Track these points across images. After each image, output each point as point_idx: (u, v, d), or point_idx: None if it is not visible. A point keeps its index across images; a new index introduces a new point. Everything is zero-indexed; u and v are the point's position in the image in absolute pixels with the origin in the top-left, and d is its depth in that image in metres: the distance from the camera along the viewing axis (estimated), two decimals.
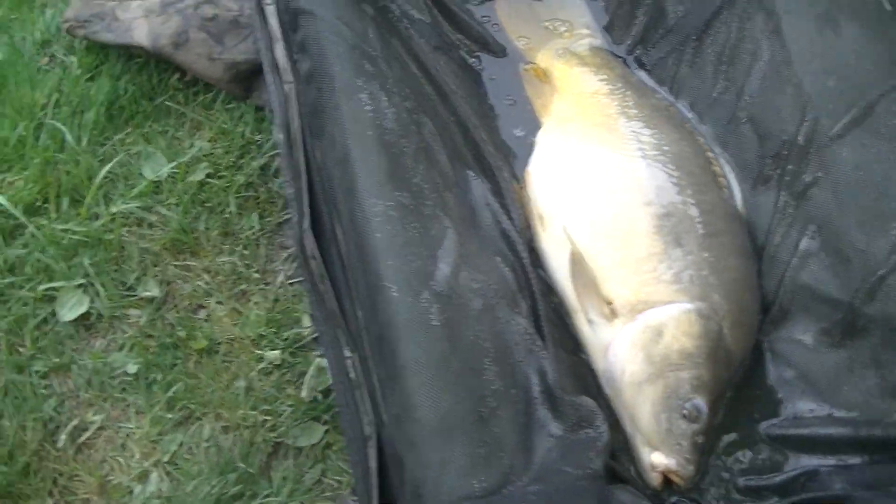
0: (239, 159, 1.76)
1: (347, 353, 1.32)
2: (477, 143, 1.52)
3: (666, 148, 1.59)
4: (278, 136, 1.48)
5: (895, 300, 1.37)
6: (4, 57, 1.90)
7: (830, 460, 1.37)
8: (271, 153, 1.76)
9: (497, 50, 1.76)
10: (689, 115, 1.71)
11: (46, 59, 1.92)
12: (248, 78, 1.79)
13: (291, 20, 1.49)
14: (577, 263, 1.46)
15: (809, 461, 1.38)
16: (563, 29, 1.82)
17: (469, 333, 1.25)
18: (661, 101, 1.70)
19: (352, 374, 1.27)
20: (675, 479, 1.35)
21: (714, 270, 1.48)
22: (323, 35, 1.43)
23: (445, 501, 1.13)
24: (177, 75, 1.85)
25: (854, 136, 1.49)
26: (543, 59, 1.77)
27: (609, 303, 1.44)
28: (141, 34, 1.78)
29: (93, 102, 1.81)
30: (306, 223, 1.39)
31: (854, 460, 1.35)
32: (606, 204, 1.53)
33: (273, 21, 1.55)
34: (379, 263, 1.26)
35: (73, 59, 1.90)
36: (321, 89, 1.41)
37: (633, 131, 1.61)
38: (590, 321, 1.45)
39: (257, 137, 1.78)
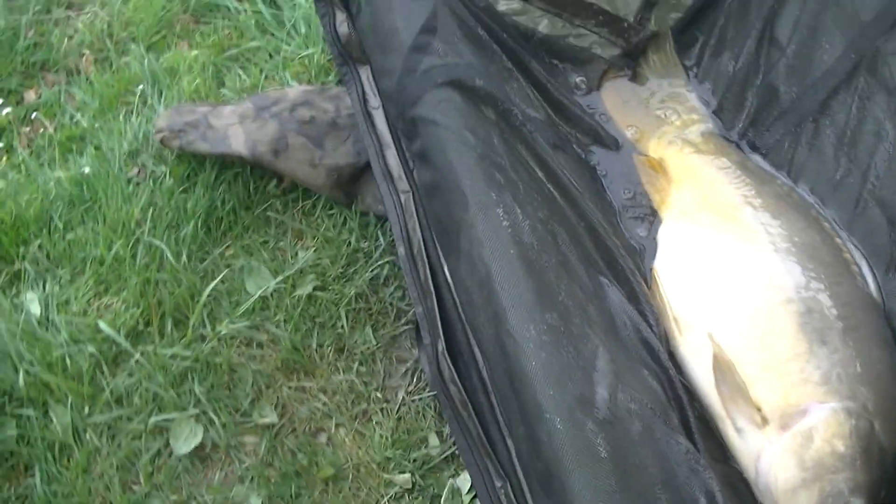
0: (346, 269, 1.70)
1: (499, 483, 1.25)
2: (609, 248, 1.46)
3: (796, 238, 1.53)
4: (399, 249, 1.42)
5: None
6: (94, 170, 1.85)
7: None
8: (380, 262, 1.70)
9: (610, 143, 1.69)
10: (811, 199, 1.62)
11: (136, 170, 1.87)
12: (350, 182, 1.73)
13: (408, 128, 1.43)
14: (725, 371, 1.39)
15: None
16: (672, 115, 1.75)
17: (634, 460, 1.18)
18: (782, 186, 1.64)
19: None
20: None
21: (860, 366, 1.41)
22: (449, 145, 1.37)
23: None
24: (273, 182, 1.80)
25: None
26: (655, 148, 1.71)
27: (758, 409, 1.36)
28: (238, 142, 1.72)
29: (189, 215, 1.75)
30: (442, 346, 1.33)
31: None
32: (745, 304, 1.46)
33: (382, 125, 1.50)
34: (538, 394, 1.19)
35: (164, 168, 1.85)
36: (450, 203, 1.35)
37: (761, 223, 1.55)
38: (738, 429, 1.38)
39: (363, 245, 1.73)
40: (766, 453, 1.37)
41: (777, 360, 1.41)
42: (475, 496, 1.48)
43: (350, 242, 1.74)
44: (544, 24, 1.75)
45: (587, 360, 1.24)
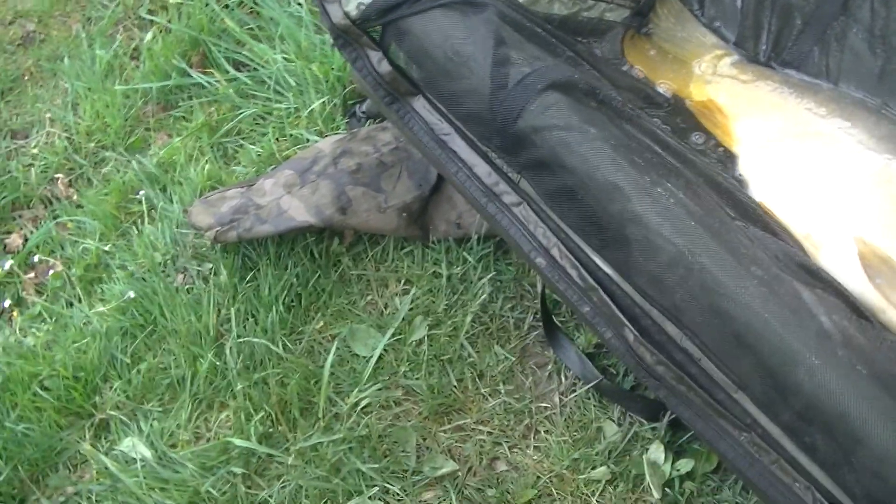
0: (450, 299, 1.71)
1: (744, 435, 1.30)
2: (733, 193, 1.51)
3: (875, 132, 1.62)
4: (537, 260, 1.44)
5: None
6: (138, 293, 1.79)
7: None
8: (481, 281, 1.74)
9: (661, 101, 1.75)
10: (860, 95, 1.73)
11: (181, 278, 1.83)
12: (420, 216, 1.74)
13: (510, 143, 1.45)
14: (878, 265, 1.47)
15: None
16: (698, 57, 1.82)
17: (885, 369, 1.25)
18: (832, 90, 1.72)
19: (756, 452, 1.28)
20: None
21: None
22: (578, 145, 1.39)
23: None
24: (336, 241, 1.78)
25: None
26: (698, 92, 1.78)
27: None
28: (301, 213, 1.72)
29: (267, 302, 1.74)
30: (633, 335, 1.37)
31: None
32: (864, 204, 1.55)
33: (463, 149, 1.51)
34: (784, 341, 1.25)
35: (209, 265, 1.81)
36: (601, 200, 1.37)
37: (838, 128, 1.64)
38: None
39: (456, 271, 1.75)
40: None
41: None
42: (674, 462, 1.54)
43: (440, 273, 1.75)
44: (557, 7, 1.79)
45: (797, 297, 1.30)
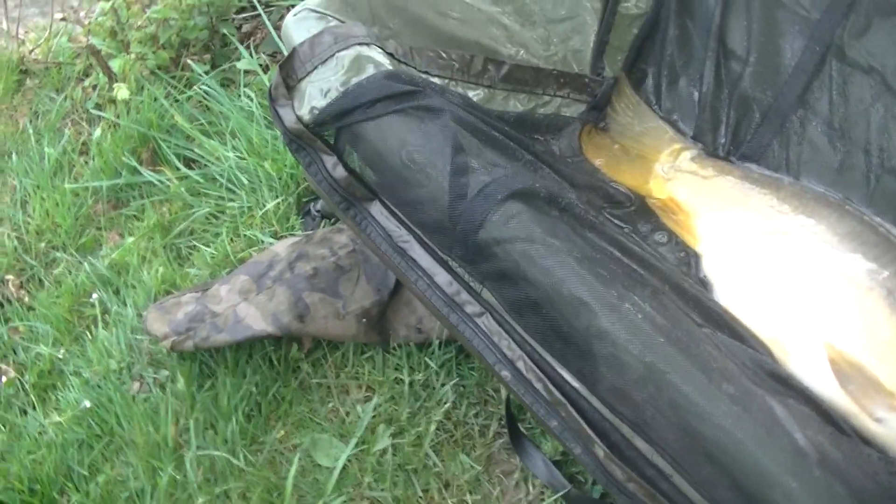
0: (413, 405, 1.68)
1: None
2: (699, 299, 1.50)
3: (839, 229, 1.62)
4: (503, 373, 1.42)
5: None
6: (94, 401, 1.75)
7: None
8: (443, 388, 1.71)
9: (623, 199, 1.74)
10: (821, 189, 1.73)
11: (138, 385, 1.79)
12: (379, 321, 1.71)
13: (471, 253, 1.43)
14: (848, 372, 1.46)
15: None
16: (656, 152, 1.82)
17: (859, 483, 1.25)
18: (793, 185, 1.73)
19: None
20: None
21: None
22: (540, 258, 1.38)
23: None
24: (294, 347, 1.75)
25: None
26: (658, 189, 1.77)
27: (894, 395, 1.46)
28: (258, 321, 1.69)
29: (226, 411, 1.69)
30: (603, 451, 1.35)
31: None
32: (832, 307, 1.54)
33: (423, 257, 1.49)
34: (759, 463, 1.23)
35: (166, 373, 1.77)
36: (566, 314, 1.36)
37: (801, 225, 1.64)
38: (879, 419, 1.46)
39: (418, 377, 1.71)
40: None
41: (888, 346, 1.49)
42: None
43: (402, 380, 1.72)
44: (512, 104, 1.78)
45: (770, 414, 1.29)
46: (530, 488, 1.64)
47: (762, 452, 1.22)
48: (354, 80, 1.49)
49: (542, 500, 1.62)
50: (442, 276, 1.48)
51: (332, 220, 1.89)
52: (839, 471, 1.23)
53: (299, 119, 1.52)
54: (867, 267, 1.56)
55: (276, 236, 1.90)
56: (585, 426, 1.36)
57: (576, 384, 1.38)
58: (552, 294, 1.35)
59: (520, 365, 1.41)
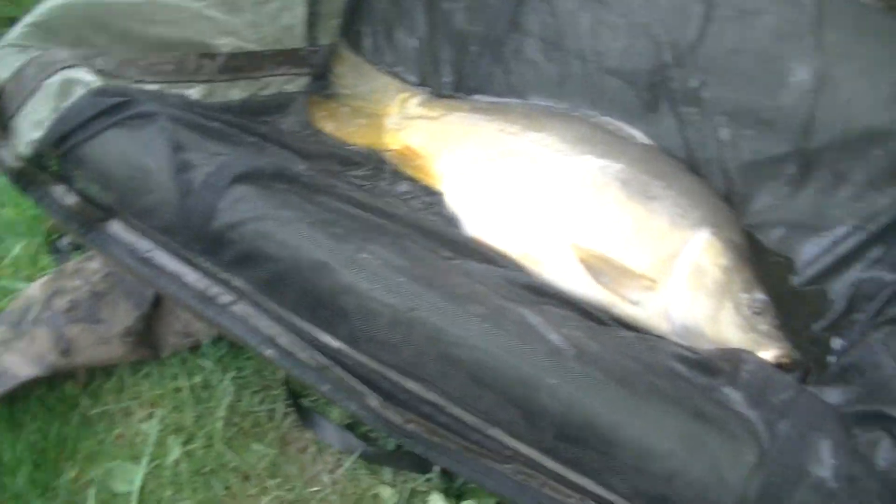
0: (197, 408, 1.68)
1: (507, 468, 1.33)
2: (443, 234, 1.55)
3: (568, 135, 1.69)
4: (268, 352, 1.43)
5: (832, 121, 1.62)
6: None
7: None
8: (222, 385, 1.73)
9: (360, 160, 1.78)
10: (548, 103, 1.80)
11: None
12: (147, 336, 1.70)
13: (211, 244, 1.44)
14: (599, 265, 1.52)
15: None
16: (383, 105, 1.86)
17: (621, 367, 1.32)
18: (522, 106, 1.79)
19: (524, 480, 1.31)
20: (786, 362, 1.48)
21: (690, 198, 1.63)
22: (275, 231, 1.39)
23: None
24: (69, 382, 1.72)
25: (713, 31, 1.69)
26: (392, 140, 1.81)
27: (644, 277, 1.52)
28: (23, 367, 1.66)
29: (10, 468, 1.65)
30: (376, 400, 1.37)
31: None
32: (573, 210, 1.60)
33: (169, 262, 1.49)
34: (520, 371, 1.27)
35: None
36: (311, 279, 1.37)
37: (531, 141, 1.71)
38: (636, 302, 1.53)
39: (196, 381, 1.71)
40: (674, 303, 1.55)
41: (631, 233, 1.58)
42: None
43: (181, 387, 1.70)
44: (234, 93, 1.78)
45: (523, 322, 1.33)
46: (328, 457, 1.65)
47: (519, 360, 1.27)
48: (65, 105, 1.46)
49: (341, 465, 1.62)
50: (190, 276, 1.47)
51: (84, 250, 1.84)
52: (597, 359, 1.28)
53: (19, 156, 1.48)
54: (599, 165, 1.63)
55: (31, 280, 1.85)
56: (354, 382, 1.38)
57: (338, 344, 1.39)
58: (293, 264, 1.36)
59: (281, 340, 1.41)
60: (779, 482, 1.17)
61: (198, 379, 1.71)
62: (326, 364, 1.38)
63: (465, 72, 1.88)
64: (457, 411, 1.34)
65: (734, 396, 1.31)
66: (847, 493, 1.15)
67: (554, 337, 1.31)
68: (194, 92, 1.69)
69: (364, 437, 1.62)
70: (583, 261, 1.54)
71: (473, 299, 1.34)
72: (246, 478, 1.64)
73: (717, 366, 1.38)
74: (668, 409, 1.22)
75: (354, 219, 1.47)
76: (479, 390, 1.30)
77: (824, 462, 1.18)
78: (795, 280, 1.69)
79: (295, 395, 1.65)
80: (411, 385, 1.36)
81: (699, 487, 1.17)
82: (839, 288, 1.66)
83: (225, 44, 1.76)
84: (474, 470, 1.35)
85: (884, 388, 1.35)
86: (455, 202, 1.70)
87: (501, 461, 1.33)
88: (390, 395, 1.38)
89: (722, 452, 1.19)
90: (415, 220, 1.55)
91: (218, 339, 1.73)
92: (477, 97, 1.87)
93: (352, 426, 1.64)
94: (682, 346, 1.42)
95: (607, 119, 1.75)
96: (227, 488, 1.63)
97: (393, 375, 1.37)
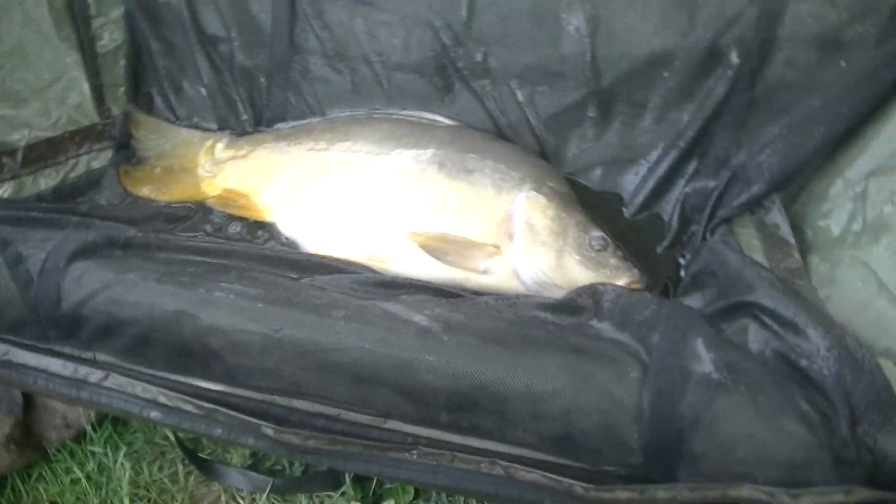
0: (100, 494, 1.67)
1: (414, 453, 1.37)
2: (289, 259, 1.59)
3: (375, 137, 1.76)
4: (153, 414, 1.44)
5: (615, 58, 1.73)
6: None
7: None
8: (122, 457, 1.69)
9: (184, 213, 1.81)
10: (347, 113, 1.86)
11: None
12: (27, 437, 1.69)
13: (68, 326, 1.44)
14: (440, 246, 1.59)
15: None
16: (186, 156, 1.90)
17: (486, 328, 1.36)
18: (322, 122, 1.85)
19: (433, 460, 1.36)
20: (638, 286, 1.58)
21: (505, 162, 1.71)
22: (126, 294, 1.41)
23: None
24: None
25: (482, 4, 1.78)
26: (211, 189, 1.84)
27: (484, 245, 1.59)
28: None
29: None
30: (268, 430, 1.40)
31: None
32: (402, 201, 1.67)
33: (31, 359, 1.49)
34: (394, 359, 1.30)
35: None
36: (177, 333, 1.39)
37: (342, 151, 1.77)
38: (485, 271, 1.61)
39: (90, 467, 1.73)
40: (519, 262, 1.62)
41: (460, 208, 1.66)
42: None
43: (77, 479, 1.71)
44: (43, 181, 1.82)
45: (386, 314, 1.38)
46: (241, 502, 1.65)
47: (392, 348, 1.31)
48: None
49: None
50: (55, 364, 1.48)
51: None
52: (464, 327, 1.33)
53: None
54: (411, 155, 1.69)
55: None
56: (244, 416, 1.39)
57: (218, 387, 1.41)
58: (151, 322, 1.38)
59: (162, 400, 1.42)
60: (668, 387, 1.23)
61: (91, 466, 1.71)
62: (214, 408, 1.40)
63: (260, 105, 1.93)
64: (350, 416, 1.38)
65: (602, 326, 1.38)
66: (731, 379, 1.21)
67: (418, 318, 1.36)
68: (2, 192, 1.68)
69: (270, 472, 1.64)
70: (423, 246, 1.59)
71: (333, 306, 1.38)
72: None
73: (579, 304, 1.45)
74: (545, 354, 1.28)
75: (197, 265, 1.50)
76: (363, 389, 1.34)
77: (703, 358, 1.24)
78: (628, 212, 1.76)
79: (191, 452, 1.65)
80: (299, 404, 1.40)
81: (596, 415, 1.23)
82: (669, 207, 1.76)
83: (20, 137, 1.78)
84: (383, 465, 1.38)
85: (737, 281, 1.44)
86: (288, 228, 1.74)
87: (406, 450, 1.36)
88: (282, 419, 1.41)
89: (607, 377, 1.24)
90: (255, 252, 1.60)
91: (100, 421, 1.72)
92: (279, 125, 1.93)
93: (254, 465, 1.65)
94: (540, 298, 1.48)
95: (407, 112, 1.81)
96: None
97: (279, 400, 1.41)
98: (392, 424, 1.37)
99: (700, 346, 1.25)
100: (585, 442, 1.25)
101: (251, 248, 1.61)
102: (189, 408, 1.42)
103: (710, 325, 1.33)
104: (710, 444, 1.21)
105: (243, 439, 1.41)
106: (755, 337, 1.34)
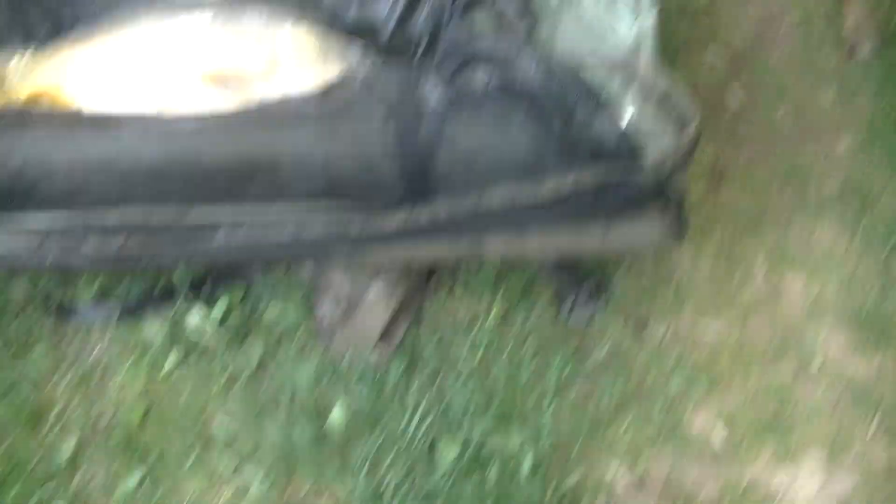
0: None
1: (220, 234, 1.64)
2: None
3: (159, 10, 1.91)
4: None
5: None
6: None
7: None
8: None
9: None
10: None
11: None
12: None
13: None
14: (227, 78, 1.77)
15: None
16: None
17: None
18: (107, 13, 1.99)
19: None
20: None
21: (266, 13, 1.83)
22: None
23: None
24: None
25: None
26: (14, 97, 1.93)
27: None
28: None
29: None
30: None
31: None
32: (195, 50, 1.81)
33: None
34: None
35: None
36: None
37: (133, 29, 1.87)
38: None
39: None
40: (293, 82, 1.74)
41: (238, 48, 1.78)
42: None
43: None
44: None
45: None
46: (95, 334, 1.93)
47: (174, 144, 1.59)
48: None
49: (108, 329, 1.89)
50: None
51: None
52: (236, 119, 1.61)
53: None
54: (192, 17, 1.85)
55: None
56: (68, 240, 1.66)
57: (44, 216, 1.66)
58: None
59: None
60: (405, 126, 1.55)
61: None
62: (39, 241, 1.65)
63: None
64: (156, 218, 1.63)
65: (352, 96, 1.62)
66: (455, 108, 1.54)
67: (196, 119, 1.62)
68: None
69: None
70: (216, 81, 1.75)
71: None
72: (35, 384, 1.88)
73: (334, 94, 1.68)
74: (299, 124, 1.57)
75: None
76: (159, 184, 1.60)
77: (429, 99, 1.55)
78: (385, 38, 1.76)
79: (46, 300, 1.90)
80: (112, 215, 1.63)
81: (349, 160, 1.55)
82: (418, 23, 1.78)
83: None
84: (205, 253, 1.66)
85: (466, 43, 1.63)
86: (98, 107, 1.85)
87: (214, 229, 1.63)
88: (101, 231, 1.65)
89: (353, 129, 1.55)
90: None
91: None
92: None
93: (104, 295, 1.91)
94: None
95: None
96: (24, 400, 1.86)
97: (95, 219, 1.64)
98: (197, 211, 1.61)
99: (427, 91, 1.55)
100: (352, 183, 1.56)
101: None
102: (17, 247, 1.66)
103: (439, 76, 1.58)
104: (454, 163, 1.55)
105: (69, 261, 1.68)
106: (480, 76, 1.57)
